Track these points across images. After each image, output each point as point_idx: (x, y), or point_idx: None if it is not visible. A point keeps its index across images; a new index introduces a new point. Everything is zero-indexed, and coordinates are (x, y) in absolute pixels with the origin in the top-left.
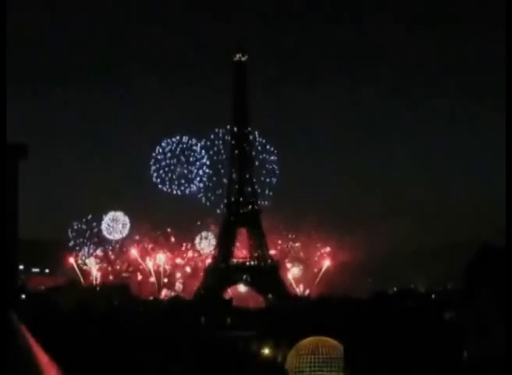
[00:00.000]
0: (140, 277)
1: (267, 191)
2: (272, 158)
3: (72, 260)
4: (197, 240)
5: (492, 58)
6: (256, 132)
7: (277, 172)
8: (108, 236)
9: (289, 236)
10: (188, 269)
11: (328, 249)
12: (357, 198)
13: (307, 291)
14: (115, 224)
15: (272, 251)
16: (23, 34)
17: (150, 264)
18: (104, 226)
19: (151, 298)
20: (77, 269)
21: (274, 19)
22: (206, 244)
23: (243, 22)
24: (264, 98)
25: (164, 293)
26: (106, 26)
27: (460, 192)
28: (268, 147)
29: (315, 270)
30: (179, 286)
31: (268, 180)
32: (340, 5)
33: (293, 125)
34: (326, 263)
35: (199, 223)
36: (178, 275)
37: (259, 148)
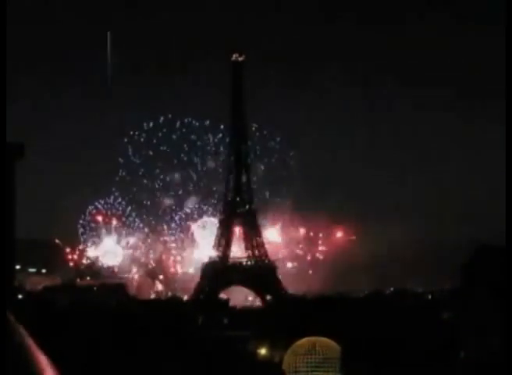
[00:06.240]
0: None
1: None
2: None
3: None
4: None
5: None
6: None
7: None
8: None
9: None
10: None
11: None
12: (356, 198)
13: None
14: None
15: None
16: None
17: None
18: None
19: (151, 296)
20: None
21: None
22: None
23: (242, 21)
24: (262, 97)
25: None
26: (105, 25)
27: (459, 192)
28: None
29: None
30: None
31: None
32: (339, 4)
33: (292, 125)
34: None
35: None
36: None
37: (257, 147)
